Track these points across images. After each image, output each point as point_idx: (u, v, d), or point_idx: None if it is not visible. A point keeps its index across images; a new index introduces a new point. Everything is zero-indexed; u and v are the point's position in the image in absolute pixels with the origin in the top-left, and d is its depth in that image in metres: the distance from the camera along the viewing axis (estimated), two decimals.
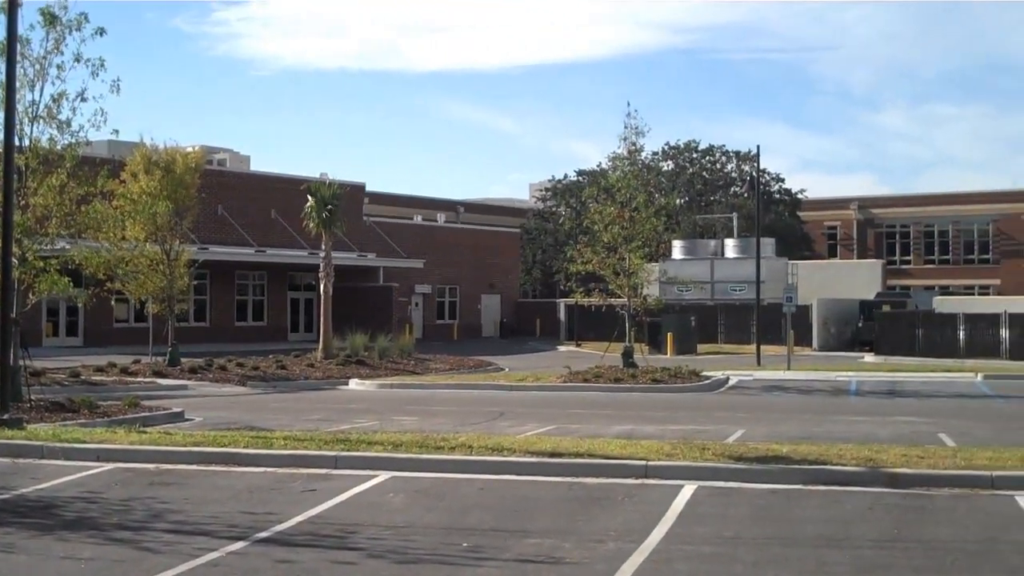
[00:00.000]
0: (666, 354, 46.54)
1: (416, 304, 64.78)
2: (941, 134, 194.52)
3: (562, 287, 60.56)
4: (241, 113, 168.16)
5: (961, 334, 44.95)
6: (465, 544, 10.54)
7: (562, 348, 54.83)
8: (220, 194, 51.62)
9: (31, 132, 21.98)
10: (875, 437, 18.01)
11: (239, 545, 10.43)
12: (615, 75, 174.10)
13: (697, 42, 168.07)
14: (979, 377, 34.76)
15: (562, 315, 61.59)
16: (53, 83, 21.91)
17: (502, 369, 38.78)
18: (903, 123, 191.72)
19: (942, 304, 49.98)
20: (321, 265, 40.16)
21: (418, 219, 70.56)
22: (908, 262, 77.37)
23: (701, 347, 50.56)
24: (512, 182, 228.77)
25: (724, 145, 79.09)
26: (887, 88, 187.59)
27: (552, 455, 14.85)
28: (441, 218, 73.68)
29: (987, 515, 11.76)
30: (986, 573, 9.49)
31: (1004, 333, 43.98)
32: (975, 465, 13.82)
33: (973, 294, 70.25)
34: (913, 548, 10.29)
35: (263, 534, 10.89)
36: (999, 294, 68.09)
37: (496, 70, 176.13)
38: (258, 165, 73.24)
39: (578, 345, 54.88)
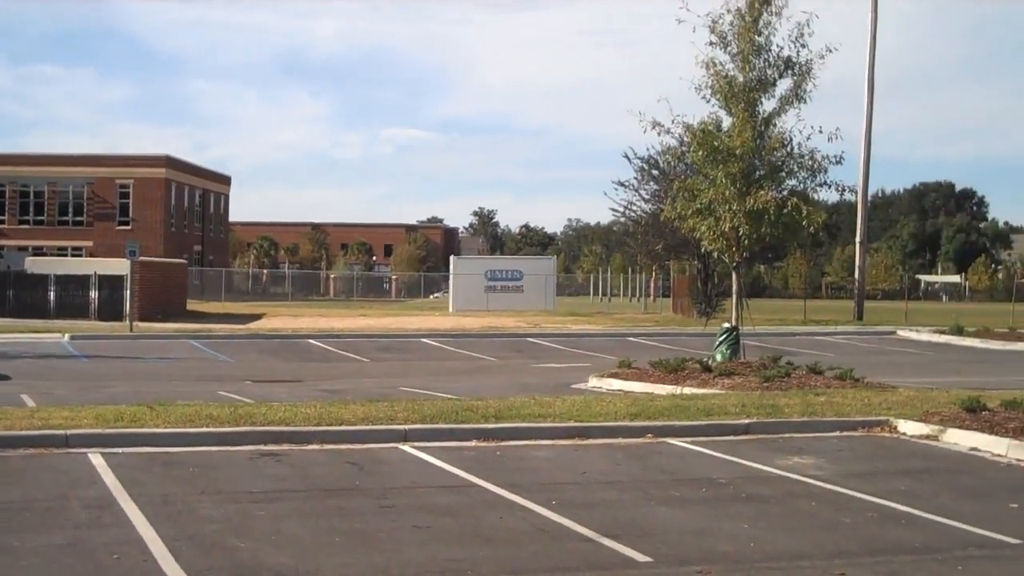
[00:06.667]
0: None
1: None
2: (45, 95, 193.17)
3: None
4: None
5: (52, 295, 45.18)
6: None
7: None
8: None
9: None
10: None
11: None
12: None
13: None
14: (67, 337, 35.14)
15: None
16: None
17: None
18: (6, 81, 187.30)
19: (34, 265, 49.75)
20: None
21: None
22: (3, 222, 75.67)
23: None
24: None
25: None
26: None
27: None
28: None
29: (60, 473, 11.95)
30: (54, 530, 9.59)
31: (94, 294, 44.89)
32: (52, 424, 14.00)
33: (67, 255, 70.57)
34: None
35: None
36: (91, 255, 69.14)
37: None
38: None
39: None
